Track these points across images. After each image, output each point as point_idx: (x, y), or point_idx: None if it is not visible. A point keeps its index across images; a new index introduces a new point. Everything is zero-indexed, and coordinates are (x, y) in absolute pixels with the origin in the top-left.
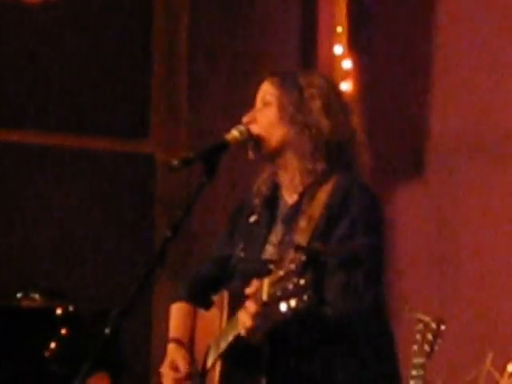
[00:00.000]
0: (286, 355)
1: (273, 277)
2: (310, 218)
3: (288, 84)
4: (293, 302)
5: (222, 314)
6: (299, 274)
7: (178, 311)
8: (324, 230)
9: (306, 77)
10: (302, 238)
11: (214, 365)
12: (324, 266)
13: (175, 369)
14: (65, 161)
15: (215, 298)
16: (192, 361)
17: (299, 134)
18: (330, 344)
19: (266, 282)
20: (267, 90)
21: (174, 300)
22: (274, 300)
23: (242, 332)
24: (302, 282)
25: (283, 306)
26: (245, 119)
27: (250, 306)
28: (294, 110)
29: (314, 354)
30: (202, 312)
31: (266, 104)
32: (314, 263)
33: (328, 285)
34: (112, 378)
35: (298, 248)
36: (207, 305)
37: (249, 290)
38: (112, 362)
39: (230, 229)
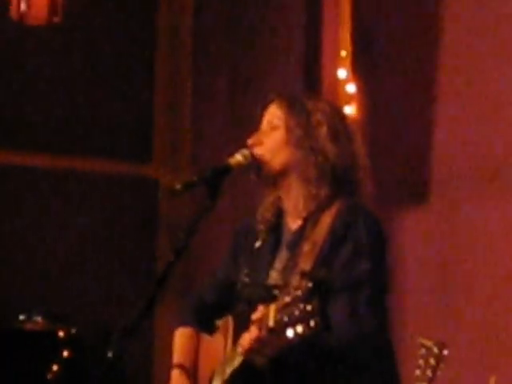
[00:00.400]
0: (289, 381)
1: (279, 303)
2: (313, 243)
3: (296, 108)
4: (299, 328)
5: (226, 339)
6: (306, 300)
7: (181, 337)
8: (328, 254)
9: (313, 101)
10: (305, 263)
11: None
12: (329, 292)
13: None
14: (68, 184)
15: (220, 323)
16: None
17: (305, 159)
18: (334, 369)
19: (273, 308)
20: (275, 113)
21: (178, 325)
22: (281, 326)
23: (240, 354)
24: (308, 308)
25: (290, 332)
26: (250, 141)
27: (253, 331)
28: (301, 134)
29: (317, 379)
30: (205, 337)
31: (273, 128)
32: (319, 289)
33: (331, 310)
34: None
35: (303, 274)
36: (211, 330)
37: (255, 316)
38: None
39: (233, 253)
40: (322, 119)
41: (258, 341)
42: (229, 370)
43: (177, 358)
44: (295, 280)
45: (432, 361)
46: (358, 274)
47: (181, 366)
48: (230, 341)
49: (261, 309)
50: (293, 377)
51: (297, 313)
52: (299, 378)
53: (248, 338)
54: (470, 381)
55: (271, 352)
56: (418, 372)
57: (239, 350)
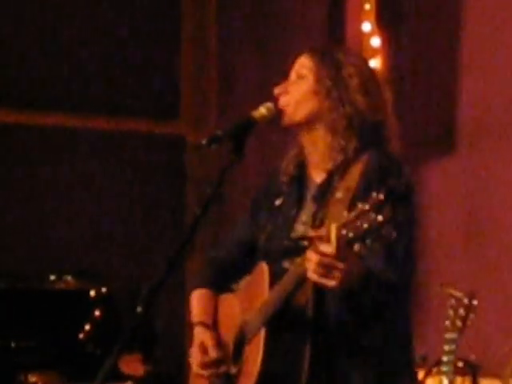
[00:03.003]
0: (328, 321)
1: (341, 220)
2: (346, 189)
3: (326, 59)
4: (368, 241)
5: (261, 285)
6: (376, 211)
7: (199, 297)
8: (362, 199)
9: (345, 54)
10: (338, 209)
11: (255, 335)
12: (399, 200)
13: (204, 351)
14: (96, 143)
15: (252, 272)
16: (220, 345)
17: (333, 109)
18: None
19: (334, 226)
20: (303, 64)
21: (195, 287)
22: (345, 242)
23: (311, 276)
24: (379, 218)
25: (357, 247)
26: (276, 90)
27: (317, 248)
28: (331, 84)
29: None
30: (222, 297)
31: (300, 77)
32: (391, 198)
33: (370, 253)
34: (145, 356)
35: (366, 188)
36: (227, 289)
37: (312, 233)
38: (144, 340)
39: (253, 211)
40: (353, 71)
41: (324, 259)
42: (270, 312)
43: (197, 317)
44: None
45: (462, 311)
46: (397, 221)
47: (203, 323)
48: (266, 286)
49: (319, 229)
50: (333, 318)
51: (366, 226)
52: (339, 321)
53: (312, 255)
54: (500, 331)
55: (335, 274)
56: (447, 322)
57: (292, 271)
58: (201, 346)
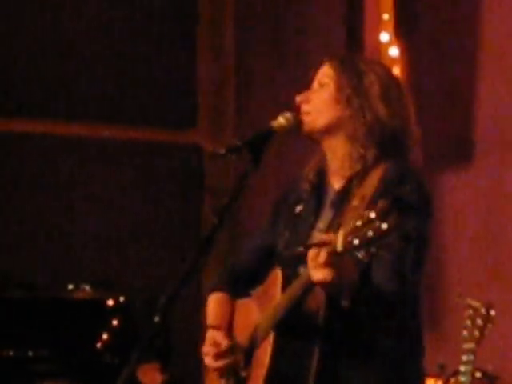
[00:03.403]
0: (339, 327)
1: (348, 227)
2: (362, 197)
3: (348, 67)
4: (373, 249)
5: (274, 291)
6: (381, 220)
7: (216, 301)
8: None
9: (366, 62)
10: (353, 217)
11: (264, 339)
12: (406, 209)
13: (216, 345)
14: (114, 152)
15: (267, 279)
16: (232, 338)
17: (354, 118)
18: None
19: (341, 232)
20: (325, 73)
21: (212, 289)
22: (351, 250)
23: (315, 279)
24: (384, 226)
25: (361, 254)
26: (298, 98)
27: (320, 255)
28: (352, 93)
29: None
30: (240, 302)
31: (322, 85)
32: (396, 207)
33: (377, 262)
34: (162, 366)
35: (381, 196)
36: (244, 295)
37: (321, 239)
38: (161, 349)
39: (273, 218)
40: (375, 79)
41: (325, 262)
42: (280, 315)
43: (211, 320)
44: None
45: (479, 321)
46: (408, 230)
47: (215, 327)
48: (278, 291)
49: (328, 235)
50: (344, 324)
51: (371, 234)
52: (350, 326)
53: (313, 257)
54: None
55: (338, 279)
56: (465, 332)
57: (303, 276)
58: (212, 342)
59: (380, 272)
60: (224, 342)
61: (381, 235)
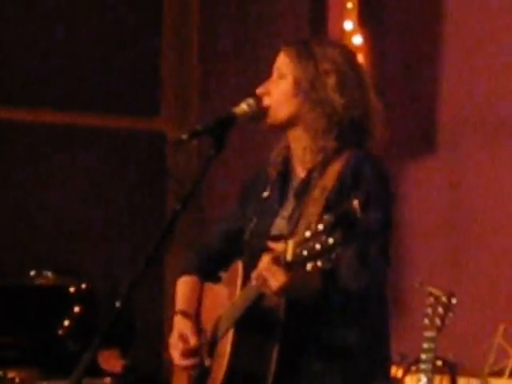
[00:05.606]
0: (300, 323)
1: (298, 237)
2: (322, 189)
3: (303, 56)
4: (319, 263)
5: (235, 283)
6: (327, 234)
7: (185, 284)
8: (336, 200)
9: (323, 48)
10: (314, 208)
11: (225, 333)
12: (352, 225)
13: (184, 340)
14: (77, 139)
15: (230, 268)
16: (199, 333)
17: (312, 111)
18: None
19: (291, 242)
20: (283, 62)
21: (181, 273)
22: (300, 260)
23: (253, 288)
24: (330, 241)
25: (309, 266)
26: (259, 91)
27: (268, 261)
28: (309, 86)
29: (323, 321)
30: (209, 285)
31: (280, 76)
32: (342, 223)
33: (341, 257)
34: (123, 352)
35: (327, 209)
36: (214, 278)
37: (272, 246)
38: (123, 335)
39: (241, 202)
40: (331, 68)
41: (274, 272)
42: (238, 313)
43: (180, 304)
44: (302, 225)
45: (440, 310)
46: (369, 223)
47: (184, 312)
48: (239, 284)
49: (278, 244)
50: (305, 320)
51: (318, 247)
52: (311, 322)
53: (263, 267)
54: (478, 329)
55: (287, 288)
56: (426, 321)
57: (253, 282)
58: (181, 336)
59: (344, 272)
60: (192, 340)
61: (327, 249)
